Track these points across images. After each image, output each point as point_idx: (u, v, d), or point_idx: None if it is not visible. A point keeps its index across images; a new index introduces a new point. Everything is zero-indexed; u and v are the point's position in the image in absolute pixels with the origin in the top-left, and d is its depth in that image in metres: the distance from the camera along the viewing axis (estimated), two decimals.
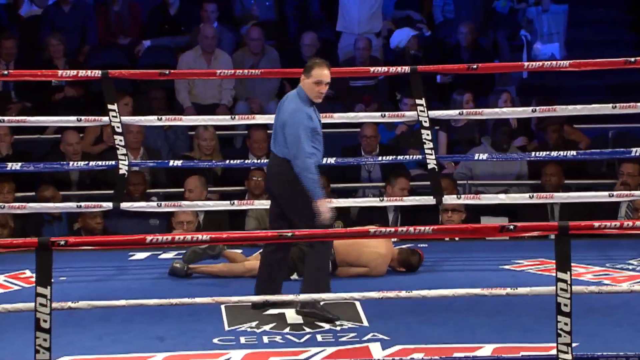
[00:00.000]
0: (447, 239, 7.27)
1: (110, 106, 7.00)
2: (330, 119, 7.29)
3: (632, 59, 6.86)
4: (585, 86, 9.54)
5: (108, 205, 7.10)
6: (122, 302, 4.96)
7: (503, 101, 8.74)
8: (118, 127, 7.01)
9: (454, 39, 9.92)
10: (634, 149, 7.13)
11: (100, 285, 6.39)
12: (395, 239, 6.80)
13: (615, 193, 7.23)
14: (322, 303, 5.65)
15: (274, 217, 5.68)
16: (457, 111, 7.41)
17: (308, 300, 5.30)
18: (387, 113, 7.37)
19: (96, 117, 7.21)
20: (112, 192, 7.24)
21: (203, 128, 8.46)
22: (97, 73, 6.97)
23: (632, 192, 7.40)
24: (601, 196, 7.22)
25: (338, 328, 5.40)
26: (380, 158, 7.82)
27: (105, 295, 5.64)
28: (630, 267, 6.56)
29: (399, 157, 7.68)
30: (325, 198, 5.51)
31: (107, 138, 8.51)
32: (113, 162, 7.14)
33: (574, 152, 7.34)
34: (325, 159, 7.27)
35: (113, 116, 6.99)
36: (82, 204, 7.18)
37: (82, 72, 7.08)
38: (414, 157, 7.75)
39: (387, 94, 9.55)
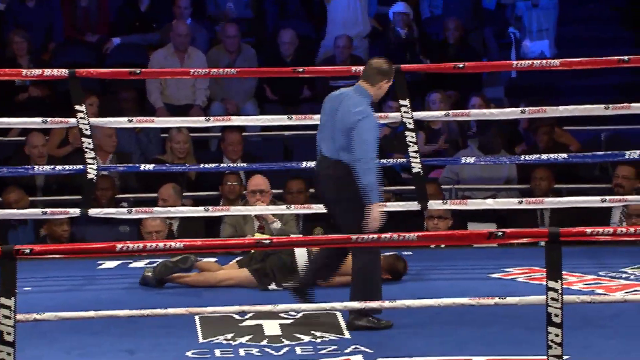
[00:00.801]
0: (432, 246, 7.28)
1: (77, 107, 6.98)
2: (310, 121, 7.30)
3: (626, 58, 6.90)
4: (576, 86, 9.58)
5: (75, 211, 7.07)
6: (91, 313, 4.94)
7: (471, 105, 8.75)
8: (86, 129, 7.00)
9: (441, 36, 9.95)
10: (627, 152, 7.16)
11: (68, 296, 6.37)
12: None
13: (608, 198, 7.27)
14: (301, 314, 5.66)
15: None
16: (443, 112, 7.44)
17: (355, 311, 5.42)
18: None
19: (63, 119, 7.20)
20: (79, 197, 7.22)
21: (176, 130, 8.45)
22: (64, 72, 6.95)
23: (626, 197, 7.44)
24: (593, 201, 7.26)
25: (318, 340, 5.40)
26: None
27: (73, 306, 5.61)
28: (624, 275, 6.59)
29: (381, 160, 7.69)
30: (382, 203, 5.57)
31: (72, 140, 8.48)
32: (81, 166, 7.12)
33: (565, 155, 7.37)
34: (305, 163, 7.30)
35: (81, 117, 6.97)
36: (48, 210, 7.15)
37: (47, 71, 7.05)
38: (398, 160, 7.76)
39: None
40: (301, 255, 6.36)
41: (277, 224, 7.12)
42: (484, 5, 10.57)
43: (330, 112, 5.64)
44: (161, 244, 4.75)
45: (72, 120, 7.09)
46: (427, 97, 8.92)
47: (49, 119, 7.13)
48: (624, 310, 5.66)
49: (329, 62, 9.45)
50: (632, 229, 4.76)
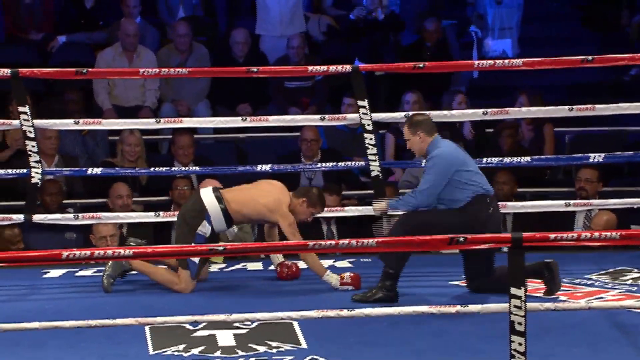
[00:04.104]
0: None
1: (21, 108, 6.93)
2: (265, 123, 7.30)
3: (590, 57, 6.97)
4: (539, 86, 9.64)
5: (19, 217, 7.02)
6: (35, 324, 4.91)
7: (457, 103, 8.78)
8: (30, 132, 6.95)
9: (405, 36, 9.97)
10: (592, 155, 7.23)
11: (10, 306, 6.31)
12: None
13: (572, 202, 7.33)
14: (256, 323, 5.66)
15: None
16: (402, 114, 7.46)
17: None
18: (326, 116, 7.40)
19: (5, 120, 7.14)
20: (23, 203, 7.17)
21: (128, 132, 8.40)
22: (6, 72, 6.90)
23: (590, 201, 7.50)
24: (557, 205, 7.31)
25: (274, 351, 5.40)
26: (320, 165, 7.85)
27: (15, 317, 5.57)
28: (589, 282, 6.64)
29: (339, 163, 7.70)
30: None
31: (11, 142, 8.41)
32: (24, 170, 7.06)
33: (527, 158, 7.43)
34: (260, 166, 7.30)
35: (24, 119, 6.93)
36: None
37: None
38: (357, 163, 7.77)
39: (327, 95, 9.57)
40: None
41: (232, 229, 7.10)
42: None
43: (469, 157, 6.39)
44: (109, 251, 4.73)
45: (15, 122, 7.04)
46: (403, 97, 8.93)
47: None
48: (588, 318, 5.71)
49: (282, 63, 9.43)
50: (596, 234, 4.79)
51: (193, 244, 6.28)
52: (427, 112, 7.44)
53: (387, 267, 6.21)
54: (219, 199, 6.44)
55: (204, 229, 6.43)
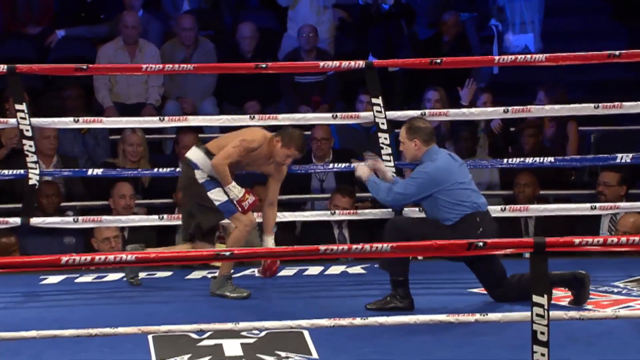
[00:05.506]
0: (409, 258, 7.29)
1: (18, 106, 6.96)
2: (274, 121, 7.30)
3: (617, 52, 6.96)
4: (564, 83, 9.64)
5: (15, 220, 7.03)
6: (33, 333, 4.92)
7: (482, 103, 8.76)
8: (27, 131, 6.97)
9: (422, 29, 9.98)
10: (619, 155, 7.22)
11: (7, 314, 6.34)
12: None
13: (597, 205, 7.32)
14: (264, 332, 5.66)
15: None
16: (418, 112, 7.46)
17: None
18: (339, 114, 7.40)
19: (1, 119, 7.16)
20: (20, 205, 7.19)
21: (130, 131, 8.42)
22: (3, 68, 6.93)
23: (617, 204, 7.49)
24: (582, 209, 7.30)
25: None
26: (331, 165, 7.85)
27: (13, 326, 5.58)
28: (616, 289, 6.63)
29: (352, 165, 7.70)
30: None
31: (6, 141, 8.43)
32: (22, 171, 7.08)
33: (551, 159, 7.42)
34: None
35: (21, 117, 6.95)
36: None
37: None
38: None
39: (339, 91, 9.58)
40: None
41: None
42: None
43: (464, 170, 6.43)
44: (111, 257, 4.73)
45: (12, 121, 7.06)
46: (424, 94, 8.93)
47: None
48: (615, 327, 5.70)
49: (293, 56, 9.43)
50: (624, 239, 4.79)
51: (208, 192, 6.49)
52: (444, 110, 7.46)
53: (393, 275, 6.24)
54: (208, 153, 6.57)
55: (200, 175, 6.56)
